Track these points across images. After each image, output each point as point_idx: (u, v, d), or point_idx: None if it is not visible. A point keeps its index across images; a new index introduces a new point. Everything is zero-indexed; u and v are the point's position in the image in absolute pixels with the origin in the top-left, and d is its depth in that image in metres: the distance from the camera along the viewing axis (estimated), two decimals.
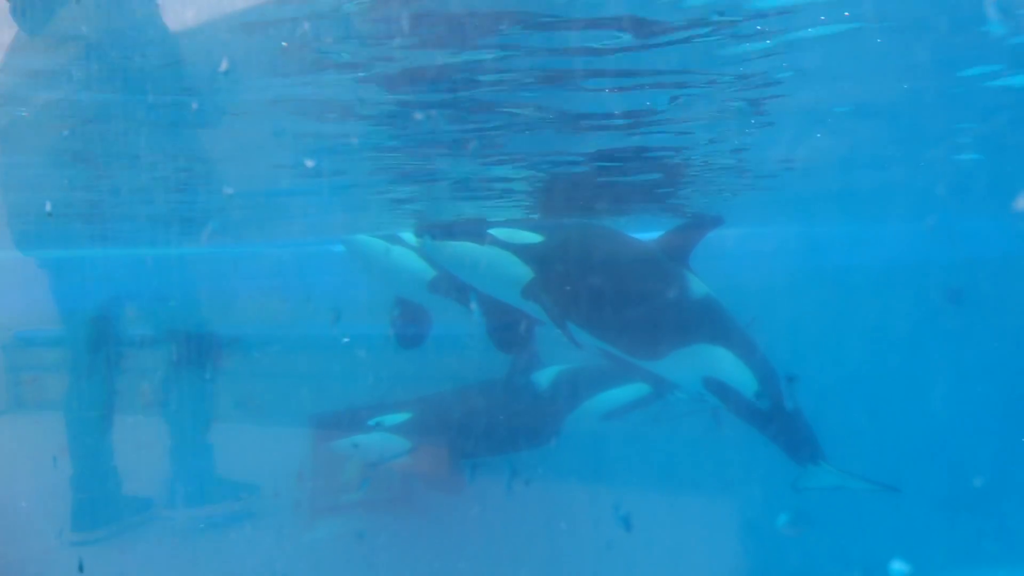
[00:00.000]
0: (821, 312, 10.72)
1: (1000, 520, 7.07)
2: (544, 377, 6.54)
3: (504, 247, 4.93)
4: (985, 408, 9.34)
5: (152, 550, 6.45)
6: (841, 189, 7.69)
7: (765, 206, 8.23)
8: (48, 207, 6.83)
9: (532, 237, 5.04)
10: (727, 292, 5.36)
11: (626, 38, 3.24)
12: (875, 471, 5.63)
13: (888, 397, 9.43)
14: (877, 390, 9.57)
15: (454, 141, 5.01)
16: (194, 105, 4.35)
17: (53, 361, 8.30)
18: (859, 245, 12.04)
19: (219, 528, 6.75)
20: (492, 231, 5.00)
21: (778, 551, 6.36)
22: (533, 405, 6.46)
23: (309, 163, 5.62)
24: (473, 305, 5.91)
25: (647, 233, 5.51)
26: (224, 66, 3.63)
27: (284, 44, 3.42)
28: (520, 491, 6.24)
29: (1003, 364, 9.82)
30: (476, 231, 4.98)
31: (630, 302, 5.11)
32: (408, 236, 6.33)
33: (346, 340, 7.53)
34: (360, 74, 3.69)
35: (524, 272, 4.93)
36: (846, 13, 3.10)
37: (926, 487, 7.23)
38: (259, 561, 6.26)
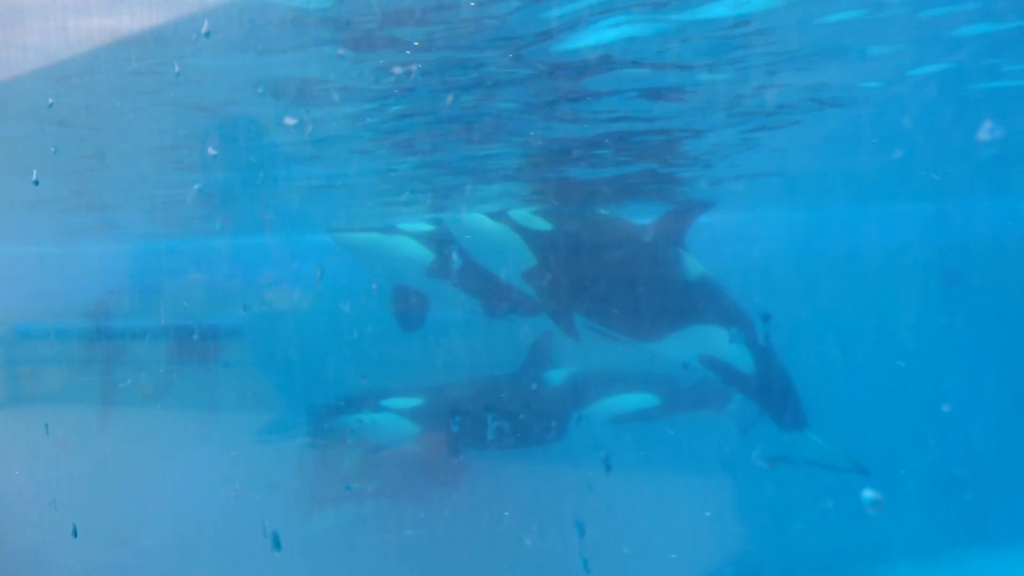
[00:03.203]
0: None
1: (1001, 501, 7.12)
2: (554, 377, 6.58)
3: (516, 229, 4.96)
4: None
5: None
6: None
7: None
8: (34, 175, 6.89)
9: (542, 223, 5.06)
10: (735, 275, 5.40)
11: None
12: (878, 453, 5.64)
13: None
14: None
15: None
16: None
17: None
18: None
19: None
20: (510, 213, 5.03)
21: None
22: (541, 403, 6.51)
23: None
24: (474, 290, 5.93)
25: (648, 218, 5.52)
26: None
27: None
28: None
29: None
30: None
31: (630, 285, 5.15)
32: (407, 225, 6.35)
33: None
34: None
35: (528, 256, 4.98)
36: None
37: (926, 470, 7.27)
38: None
